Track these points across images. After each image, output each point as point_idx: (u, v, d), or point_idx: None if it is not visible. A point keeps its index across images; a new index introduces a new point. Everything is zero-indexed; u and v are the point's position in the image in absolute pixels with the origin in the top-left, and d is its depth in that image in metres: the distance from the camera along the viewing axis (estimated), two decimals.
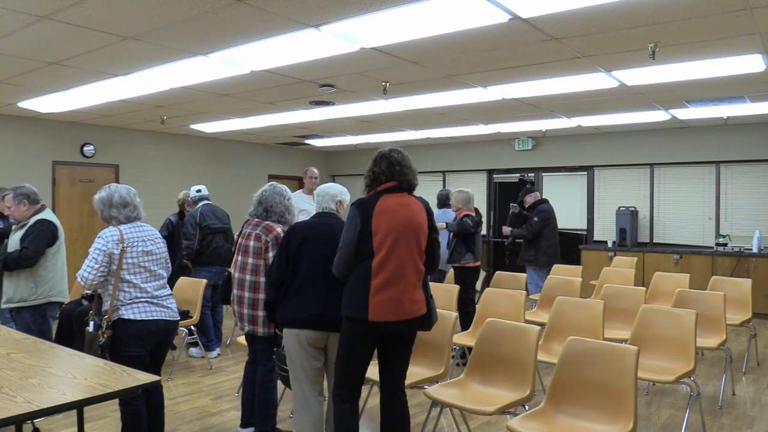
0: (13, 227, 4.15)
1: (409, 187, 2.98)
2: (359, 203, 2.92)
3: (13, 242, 3.98)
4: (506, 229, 7.04)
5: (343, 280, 2.90)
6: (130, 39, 4.38)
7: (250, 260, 3.46)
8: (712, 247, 8.33)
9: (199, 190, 5.83)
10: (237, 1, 3.61)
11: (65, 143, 8.61)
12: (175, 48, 4.62)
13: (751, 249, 7.93)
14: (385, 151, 3.01)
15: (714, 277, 5.78)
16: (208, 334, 5.60)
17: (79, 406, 2.17)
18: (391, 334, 2.90)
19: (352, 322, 2.84)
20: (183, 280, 5.43)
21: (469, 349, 3.78)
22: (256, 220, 3.57)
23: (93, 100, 6.81)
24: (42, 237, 3.94)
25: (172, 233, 5.69)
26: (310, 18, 3.91)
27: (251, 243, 3.48)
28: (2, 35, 4.30)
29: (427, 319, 2.98)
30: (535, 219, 6.82)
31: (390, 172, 2.94)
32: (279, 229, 3.45)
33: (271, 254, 3.38)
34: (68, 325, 4.73)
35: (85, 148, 8.81)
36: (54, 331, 4.98)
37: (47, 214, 4.05)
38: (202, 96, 6.58)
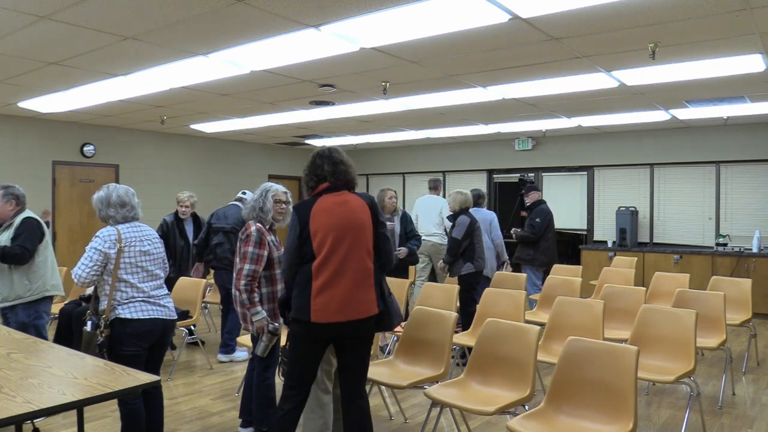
0: None
1: (351, 185, 2.93)
2: (297, 206, 2.89)
3: (1, 242, 3.99)
4: (514, 231, 7.09)
5: (291, 283, 2.88)
6: (130, 39, 4.38)
7: (236, 259, 3.48)
8: (712, 247, 8.33)
9: (244, 193, 5.88)
10: (237, 1, 3.61)
11: (65, 143, 8.62)
12: (175, 48, 4.62)
13: (751, 249, 7.93)
14: (324, 151, 2.93)
15: (714, 277, 5.78)
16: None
17: (79, 406, 2.17)
18: (344, 335, 2.85)
19: (296, 324, 2.83)
20: (183, 280, 5.44)
21: (469, 349, 3.78)
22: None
23: (93, 100, 6.81)
24: (33, 235, 4.00)
25: (166, 233, 5.70)
26: (310, 18, 3.91)
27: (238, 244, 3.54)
28: (2, 35, 4.30)
29: (386, 319, 2.91)
30: (537, 220, 6.84)
31: (336, 173, 2.87)
32: (253, 228, 3.43)
33: (243, 250, 3.37)
34: (68, 324, 4.74)
35: (85, 148, 8.81)
36: (54, 331, 5.00)
37: (30, 213, 4.12)
38: (202, 96, 6.58)
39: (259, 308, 3.29)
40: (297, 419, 2.92)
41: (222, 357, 5.59)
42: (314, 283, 2.75)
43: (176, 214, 5.86)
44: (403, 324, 4.44)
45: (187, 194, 5.89)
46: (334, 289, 2.74)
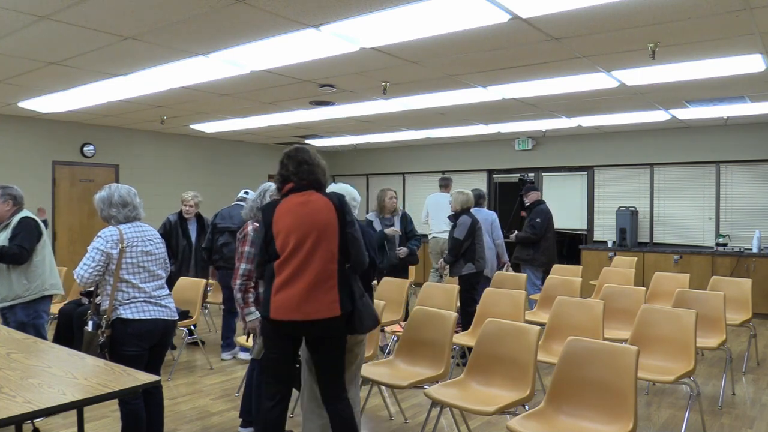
0: None
1: (317, 185, 2.93)
2: (264, 207, 2.96)
3: None
4: (512, 235, 7.09)
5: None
6: (130, 39, 4.38)
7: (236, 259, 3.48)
8: (712, 247, 8.33)
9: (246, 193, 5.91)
10: (237, 1, 3.61)
11: (65, 143, 8.62)
12: (175, 48, 4.62)
13: (751, 249, 7.93)
14: (290, 151, 2.97)
15: (714, 277, 5.78)
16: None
17: (79, 406, 2.17)
18: (308, 334, 2.87)
19: (263, 319, 2.92)
20: (183, 280, 5.44)
21: (469, 349, 3.78)
22: None
23: (93, 100, 6.81)
24: (31, 235, 4.00)
25: (168, 232, 5.70)
26: (310, 18, 3.91)
27: None
28: (2, 35, 4.30)
29: (357, 322, 2.86)
30: (538, 220, 6.86)
31: (299, 173, 2.90)
32: (250, 227, 3.42)
33: (240, 250, 3.36)
34: (68, 324, 4.74)
35: (85, 148, 8.82)
36: (53, 331, 5.00)
37: (28, 212, 4.12)
38: (202, 96, 6.58)
39: (252, 309, 3.29)
40: (281, 416, 2.94)
41: (224, 355, 5.60)
42: (275, 280, 2.81)
43: (180, 213, 5.87)
44: (403, 324, 4.44)
45: (192, 194, 5.90)
46: (292, 288, 2.77)
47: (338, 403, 2.93)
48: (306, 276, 2.77)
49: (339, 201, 2.91)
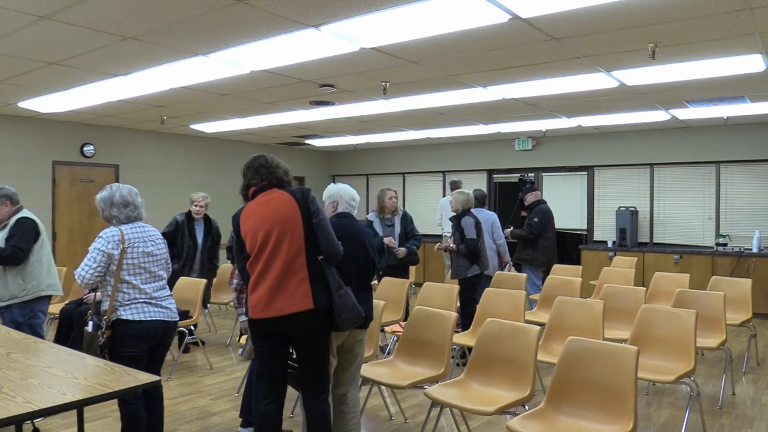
0: None
1: (278, 183, 2.98)
2: (235, 213, 3.05)
3: None
4: (506, 231, 7.07)
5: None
6: (130, 39, 4.38)
7: None
8: (712, 247, 8.33)
9: None
10: (237, 1, 3.61)
11: (65, 143, 8.62)
12: (175, 48, 4.62)
13: (751, 249, 7.93)
14: (248, 162, 3.04)
15: (714, 277, 5.78)
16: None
17: (79, 406, 2.17)
18: (285, 331, 2.87)
19: (248, 319, 2.97)
20: (183, 280, 5.43)
21: (469, 349, 3.78)
22: None
23: (93, 100, 6.81)
24: (28, 235, 3.99)
25: (174, 231, 5.69)
26: (310, 18, 3.91)
27: None
28: (2, 35, 4.30)
29: (336, 314, 2.83)
30: (536, 220, 6.87)
31: (258, 176, 2.97)
32: None
33: None
34: (68, 324, 4.74)
35: (85, 148, 8.81)
36: (54, 331, 5.00)
37: (27, 213, 4.11)
38: (202, 96, 6.58)
39: (244, 309, 3.29)
40: (277, 415, 2.95)
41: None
42: (250, 281, 2.88)
43: (189, 213, 5.85)
44: (403, 324, 4.44)
45: (202, 195, 5.89)
46: (262, 286, 2.82)
47: (316, 403, 2.93)
48: (273, 272, 2.80)
49: (301, 193, 2.94)
